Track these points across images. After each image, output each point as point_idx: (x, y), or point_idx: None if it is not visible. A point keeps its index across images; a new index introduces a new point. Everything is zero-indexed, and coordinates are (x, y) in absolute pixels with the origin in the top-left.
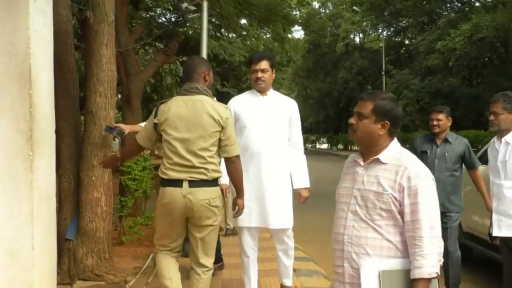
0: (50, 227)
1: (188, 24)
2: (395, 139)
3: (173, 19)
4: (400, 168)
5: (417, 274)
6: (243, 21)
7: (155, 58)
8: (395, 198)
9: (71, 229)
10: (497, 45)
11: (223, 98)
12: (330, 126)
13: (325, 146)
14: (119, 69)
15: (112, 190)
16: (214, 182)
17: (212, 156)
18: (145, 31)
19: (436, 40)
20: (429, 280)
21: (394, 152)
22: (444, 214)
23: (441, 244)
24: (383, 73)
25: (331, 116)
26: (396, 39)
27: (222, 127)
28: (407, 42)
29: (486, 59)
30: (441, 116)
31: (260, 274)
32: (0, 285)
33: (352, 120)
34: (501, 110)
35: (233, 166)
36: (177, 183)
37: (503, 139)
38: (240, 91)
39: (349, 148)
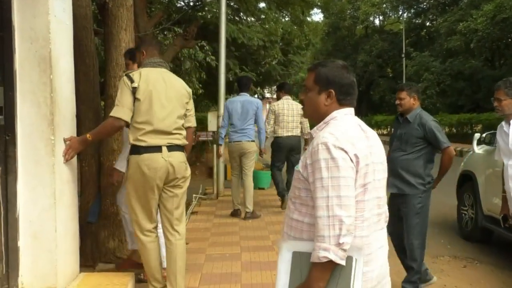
0: (73, 211)
1: (206, 9)
2: (345, 109)
3: (191, 4)
4: (313, 143)
5: (311, 257)
6: (262, 4)
7: (174, 42)
8: (303, 176)
9: (93, 212)
10: None
11: (242, 82)
12: None
13: None
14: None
15: None
16: (183, 147)
17: (183, 124)
18: (164, 16)
19: (457, 22)
20: (325, 264)
21: (328, 126)
22: (398, 196)
23: (344, 227)
24: (403, 55)
25: None
26: (417, 21)
27: (189, 99)
28: (427, 24)
29: (510, 40)
30: (403, 94)
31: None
32: (26, 266)
33: (301, 96)
34: (503, 96)
35: (192, 132)
36: (157, 148)
37: (511, 122)
38: (259, 75)
39: None
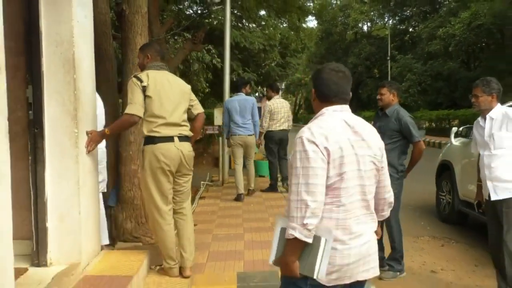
0: (95, 197)
1: (213, 16)
2: (334, 107)
3: (199, 11)
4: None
5: (285, 234)
6: (262, 12)
7: (184, 46)
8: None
9: (112, 197)
10: (494, 31)
11: (236, 84)
12: None
13: None
14: None
15: None
16: (190, 138)
17: (188, 117)
18: (175, 22)
19: (437, 28)
20: (293, 241)
21: (313, 121)
22: None
23: (309, 210)
24: (388, 58)
25: None
26: (401, 27)
27: (190, 93)
28: (410, 29)
29: (483, 44)
30: (384, 90)
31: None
32: (54, 244)
33: None
34: (480, 93)
35: (203, 117)
36: (170, 138)
37: (487, 116)
38: (259, 75)
39: None
